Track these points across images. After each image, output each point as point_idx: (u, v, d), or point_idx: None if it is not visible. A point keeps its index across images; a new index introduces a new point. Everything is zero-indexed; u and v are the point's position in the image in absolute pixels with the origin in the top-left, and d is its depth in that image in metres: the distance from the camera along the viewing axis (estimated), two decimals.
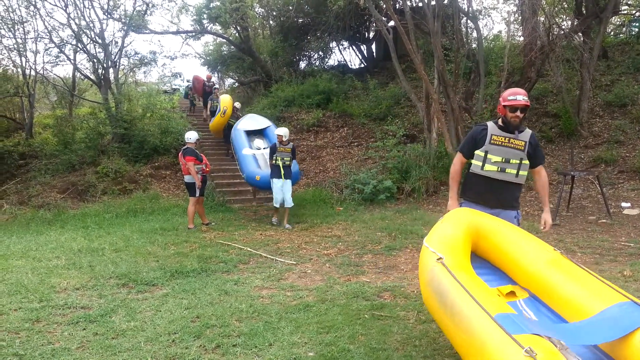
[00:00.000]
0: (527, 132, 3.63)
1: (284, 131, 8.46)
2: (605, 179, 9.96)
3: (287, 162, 8.35)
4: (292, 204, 8.54)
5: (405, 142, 12.32)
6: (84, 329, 3.95)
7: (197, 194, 8.30)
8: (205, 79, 17.10)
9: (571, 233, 7.37)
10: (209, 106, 14.90)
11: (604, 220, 8.00)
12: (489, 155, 3.58)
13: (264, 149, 10.09)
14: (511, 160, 3.56)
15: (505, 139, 3.57)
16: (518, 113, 3.52)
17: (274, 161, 8.34)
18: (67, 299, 4.66)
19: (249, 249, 6.81)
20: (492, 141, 3.58)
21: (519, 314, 2.54)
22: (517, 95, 3.53)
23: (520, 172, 3.58)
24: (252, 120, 10.91)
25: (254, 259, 6.32)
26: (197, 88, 17.53)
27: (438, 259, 2.87)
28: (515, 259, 3.02)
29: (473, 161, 3.67)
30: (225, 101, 12.55)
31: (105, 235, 7.90)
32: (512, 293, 2.90)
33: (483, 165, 3.60)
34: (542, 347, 2.04)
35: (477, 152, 3.63)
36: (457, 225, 3.23)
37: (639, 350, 2.09)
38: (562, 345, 2.16)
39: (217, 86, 16.53)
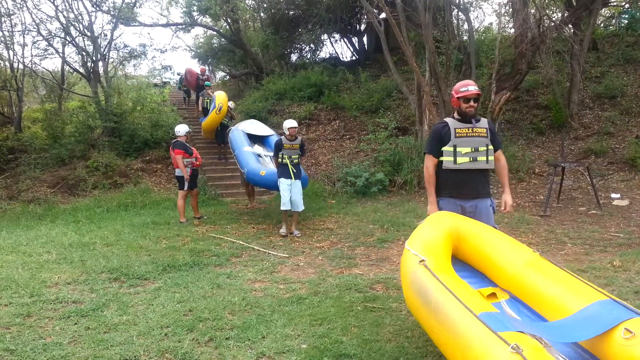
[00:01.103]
0: (484, 120, 3.79)
1: (294, 123, 7.27)
2: (595, 170, 10.05)
3: (296, 160, 7.31)
4: (303, 208, 7.47)
5: (397, 135, 12.33)
6: (76, 323, 3.93)
7: (186, 187, 8.27)
8: (199, 72, 16.43)
9: (561, 224, 7.43)
10: (200, 102, 14.02)
11: (594, 211, 8.08)
12: (458, 149, 3.66)
13: (265, 155, 9.34)
14: (479, 148, 3.67)
15: (469, 130, 3.69)
16: (472, 103, 3.66)
17: (280, 159, 7.26)
18: (59, 294, 4.64)
19: (241, 242, 6.80)
20: (457, 135, 3.67)
21: (501, 312, 2.59)
22: (468, 86, 3.67)
23: (489, 158, 3.71)
24: (255, 125, 10.22)
25: (246, 252, 6.32)
26: (190, 81, 16.80)
27: (420, 261, 2.91)
28: (495, 261, 3.07)
29: (444, 158, 3.72)
30: (220, 97, 11.73)
31: (96, 230, 7.85)
32: (493, 295, 2.95)
33: (455, 159, 3.67)
34: (528, 344, 2.06)
35: (445, 148, 3.70)
36: (438, 229, 3.28)
37: (618, 346, 2.12)
38: (545, 343, 2.20)
39: (209, 82, 15.77)
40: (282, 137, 7.27)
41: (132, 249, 6.50)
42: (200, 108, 13.96)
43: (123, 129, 13.13)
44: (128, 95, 14.56)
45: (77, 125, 13.48)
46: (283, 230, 7.26)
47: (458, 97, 3.70)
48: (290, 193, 7.18)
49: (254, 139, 9.76)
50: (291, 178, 7.21)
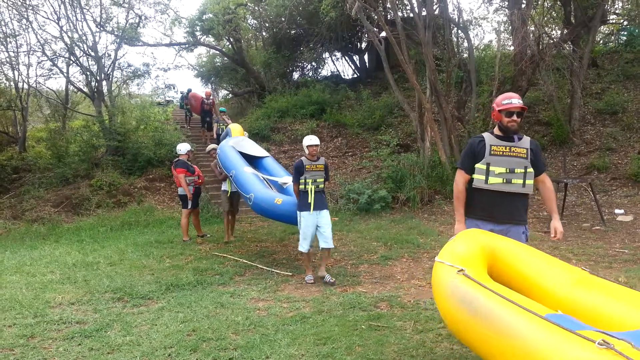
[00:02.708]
0: (526, 139, 3.47)
1: (315, 140, 5.84)
2: (598, 186, 10.04)
3: (321, 186, 5.83)
4: (333, 245, 6.02)
5: (399, 152, 12.38)
6: (80, 344, 3.92)
7: (189, 206, 8.29)
8: (204, 96, 15.64)
9: (566, 240, 7.40)
10: (215, 129, 13.47)
11: (598, 227, 8.05)
12: (491, 167, 3.38)
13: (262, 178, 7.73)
14: (516, 169, 3.36)
15: (506, 148, 3.38)
16: (514, 117, 3.35)
17: (302, 185, 5.76)
18: (62, 314, 4.63)
19: (244, 260, 6.79)
20: (492, 152, 3.38)
21: (567, 316, 2.35)
22: (511, 99, 3.38)
23: (527, 182, 3.38)
24: (247, 143, 8.54)
25: (249, 271, 6.31)
26: (194, 106, 16.18)
27: (459, 271, 2.69)
28: (537, 282, 2.81)
29: (475, 176, 3.45)
30: (236, 131, 9.29)
31: (99, 249, 7.86)
32: None
33: (487, 179, 3.38)
34: (615, 341, 1.87)
35: (477, 165, 3.42)
36: (472, 244, 3.01)
37: None
38: (632, 345, 1.96)
39: (223, 108, 15.19)
40: (303, 158, 5.83)
41: (135, 268, 6.50)
42: (214, 135, 13.37)
43: (127, 147, 13.22)
44: (132, 114, 14.72)
45: (81, 144, 13.59)
46: (310, 278, 5.79)
47: (500, 110, 3.39)
48: (315, 228, 5.79)
49: (246, 158, 8.09)
50: (317, 209, 5.74)
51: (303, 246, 5.81)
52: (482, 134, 3.55)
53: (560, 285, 2.71)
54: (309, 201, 5.70)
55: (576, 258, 6.34)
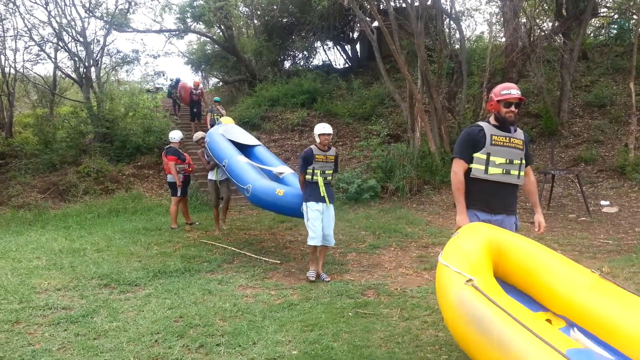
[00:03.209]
0: (520, 132, 3.47)
1: (328, 128, 5.40)
2: (585, 177, 10.14)
3: (330, 177, 5.47)
4: (334, 242, 5.70)
5: (389, 142, 12.39)
6: (65, 329, 3.91)
7: (179, 194, 8.26)
8: (192, 86, 15.13)
9: (551, 231, 7.48)
10: (208, 119, 13.06)
11: (584, 218, 8.14)
12: (492, 158, 3.31)
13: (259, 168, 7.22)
14: (514, 160, 3.34)
15: (505, 139, 3.34)
16: (513, 108, 3.32)
17: (309, 176, 5.36)
18: (48, 300, 4.60)
19: (233, 248, 6.79)
20: (493, 142, 3.32)
21: (589, 351, 2.24)
22: (510, 90, 3.34)
23: (521, 173, 3.39)
24: (237, 131, 8.03)
25: (238, 258, 6.31)
26: (183, 97, 15.60)
27: (467, 281, 2.55)
28: (545, 282, 2.69)
29: (474, 165, 3.36)
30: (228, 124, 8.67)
31: (86, 236, 7.81)
32: (547, 321, 2.58)
33: (487, 169, 3.32)
34: None
35: (477, 155, 3.34)
36: (477, 242, 2.87)
37: None
38: None
39: (217, 98, 14.44)
40: (313, 147, 5.41)
41: (122, 255, 6.47)
42: (208, 125, 12.93)
43: (115, 134, 13.09)
44: (120, 100, 14.54)
45: (68, 130, 13.42)
46: (312, 274, 5.37)
47: (498, 100, 3.33)
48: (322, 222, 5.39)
49: (238, 146, 7.64)
50: (324, 201, 5.35)
51: (314, 240, 5.31)
52: (479, 123, 3.49)
53: (571, 289, 2.57)
54: (321, 194, 5.31)
55: (561, 248, 6.41)
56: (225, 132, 7.77)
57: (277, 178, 6.74)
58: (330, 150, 5.48)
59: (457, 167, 3.43)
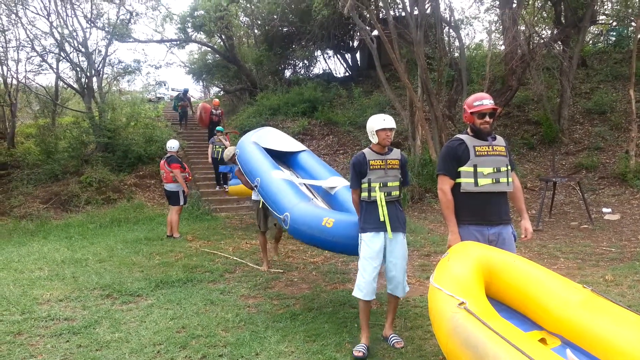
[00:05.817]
0: (500, 138, 3.41)
1: (390, 122, 3.71)
2: (586, 185, 10.15)
3: (395, 192, 3.79)
4: (407, 289, 3.88)
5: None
6: (68, 341, 3.90)
7: (182, 202, 8.26)
8: (213, 107, 13.99)
9: (554, 239, 7.47)
10: (209, 151, 11.49)
11: (586, 226, 8.13)
12: (479, 169, 3.22)
13: (305, 185, 5.42)
14: (501, 168, 3.27)
15: (489, 148, 3.27)
16: (487, 118, 3.25)
17: (364, 193, 3.73)
18: (50, 311, 4.59)
19: (235, 257, 6.78)
20: (477, 153, 3.24)
21: None
22: (482, 100, 3.26)
23: (509, 180, 3.33)
24: (274, 136, 6.31)
25: (240, 268, 6.30)
26: (203, 119, 14.07)
27: (460, 304, 2.50)
28: (539, 301, 2.64)
29: (462, 180, 3.26)
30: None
31: (88, 246, 7.81)
32: (542, 340, 2.54)
33: (476, 181, 3.23)
34: None
35: (463, 169, 3.25)
36: (467, 263, 2.83)
37: None
38: None
39: (221, 127, 12.39)
40: (366, 151, 3.85)
41: (124, 265, 6.46)
42: (209, 159, 11.57)
43: (117, 144, 13.15)
44: (122, 110, 14.61)
45: (70, 140, 13.48)
46: (362, 348, 3.56)
47: (472, 112, 3.27)
48: (384, 260, 3.74)
49: (275, 156, 5.88)
50: (384, 229, 3.67)
51: (362, 290, 3.66)
52: (458, 135, 3.40)
53: (565, 307, 2.54)
54: (381, 218, 3.65)
55: (564, 256, 6.40)
56: (259, 139, 6.00)
57: (328, 195, 5.15)
58: (393, 153, 3.85)
59: (444, 184, 3.33)
